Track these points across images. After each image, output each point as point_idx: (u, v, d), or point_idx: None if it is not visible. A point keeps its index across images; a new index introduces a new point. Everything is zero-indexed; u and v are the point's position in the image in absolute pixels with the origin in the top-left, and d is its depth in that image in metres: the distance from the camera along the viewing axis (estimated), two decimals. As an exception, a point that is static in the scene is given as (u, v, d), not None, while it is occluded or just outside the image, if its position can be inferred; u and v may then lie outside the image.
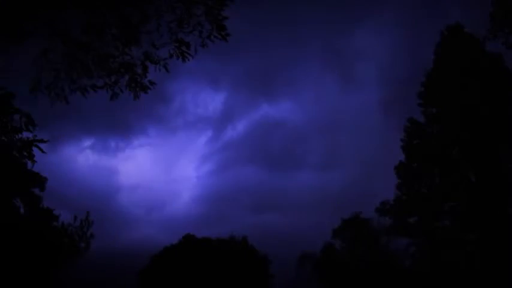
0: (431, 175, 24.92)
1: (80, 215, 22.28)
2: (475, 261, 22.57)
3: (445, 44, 25.69)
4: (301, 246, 42.85)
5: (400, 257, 32.69)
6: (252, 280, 41.98)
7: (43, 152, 13.38)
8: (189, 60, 8.06)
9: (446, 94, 24.67)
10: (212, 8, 7.87)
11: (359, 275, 37.15)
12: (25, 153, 12.37)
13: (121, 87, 8.18)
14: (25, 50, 8.15)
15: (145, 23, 7.90)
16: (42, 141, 14.60)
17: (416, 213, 24.78)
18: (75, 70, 8.14)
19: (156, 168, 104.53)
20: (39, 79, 8.04)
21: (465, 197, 23.77)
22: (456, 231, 23.64)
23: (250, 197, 79.41)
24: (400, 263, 33.45)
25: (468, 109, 23.73)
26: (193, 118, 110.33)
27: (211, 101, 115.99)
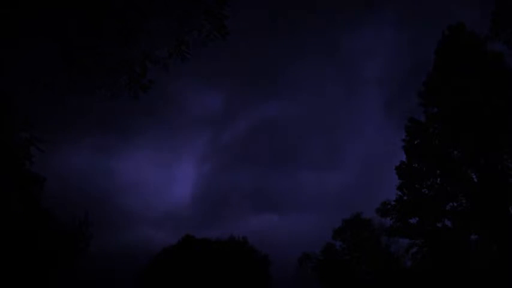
0: (433, 175, 24.80)
1: (79, 215, 22.26)
2: (476, 262, 22.49)
3: (447, 43, 25.59)
4: (301, 247, 42.83)
5: (401, 257, 32.67)
6: (252, 280, 41.90)
7: (42, 151, 13.23)
8: (188, 59, 7.98)
9: (447, 93, 24.57)
10: (212, 7, 7.79)
11: (359, 275, 37.11)
12: (23, 153, 12.26)
13: (120, 87, 8.09)
14: (24, 49, 8.06)
15: (145, 22, 7.81)
16: (41, 140, 14.47)
17: (418, 214, 24.66)
18: (74, 69, 8.05)
19: (155, 168, 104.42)
20: (38, 79, 7.96)
21: (467, 198, 23.69)
22: (458, 232, 23.55)
23: (250, 197, 79.38)
24: (401, 263, 33.41)
25: (469, 109, 23.63)
26: (193, 118, 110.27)
27: (211, 101, 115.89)
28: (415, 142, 25.68)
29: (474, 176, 24.02)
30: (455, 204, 23.99)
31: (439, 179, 24.64)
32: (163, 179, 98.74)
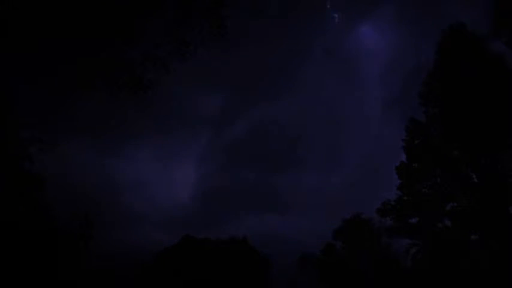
0: (433, 175, 24.82)
1: (79, 215, 22.22)
2: (476, 262, 22.49)
3: (447, 43, 25.55)
4: (301, 247, 42.90)
5: (401, 257, 32.65)
6: (252, 280, 41.92)
7: (42, 151, 13.26)
8: (188, 59, 8.00)
9: (447, 94, 24.56)
10: (211, 8, 7.80)
11: (359, 276, 37.11)
12: (23, 153, 12.25)
13: (120, 87, 8.10)
14: (24, 49, 8.05)
15: (145, 22, 7.82)
16: (41, 140, 14.49)
17: (418, 214, 24.69)
18: (75, 70, 8.06)
19: (155, 168, 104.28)
20: (38, 79, 7.97)
21: (466, 198, 23.69)
22: (457, 232, 23.56)
23: (250, 197, 79.27)
24: (401, 263, 33.40)
25: (469, 109, 23.62)
26: (193, 118, 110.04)
27: (211, 101, 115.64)
28: (415, 142, 25.68)
29: (474, 176, 24.02)
30: (455, 204, 24.01)
31: (439, 179, 24.65)
32: (163, 179, 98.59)
